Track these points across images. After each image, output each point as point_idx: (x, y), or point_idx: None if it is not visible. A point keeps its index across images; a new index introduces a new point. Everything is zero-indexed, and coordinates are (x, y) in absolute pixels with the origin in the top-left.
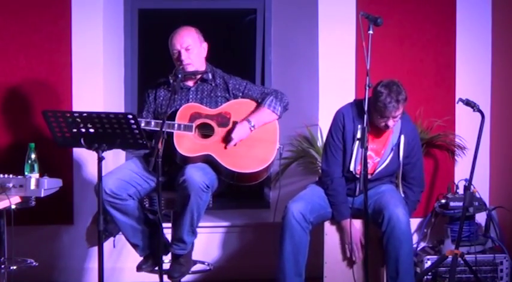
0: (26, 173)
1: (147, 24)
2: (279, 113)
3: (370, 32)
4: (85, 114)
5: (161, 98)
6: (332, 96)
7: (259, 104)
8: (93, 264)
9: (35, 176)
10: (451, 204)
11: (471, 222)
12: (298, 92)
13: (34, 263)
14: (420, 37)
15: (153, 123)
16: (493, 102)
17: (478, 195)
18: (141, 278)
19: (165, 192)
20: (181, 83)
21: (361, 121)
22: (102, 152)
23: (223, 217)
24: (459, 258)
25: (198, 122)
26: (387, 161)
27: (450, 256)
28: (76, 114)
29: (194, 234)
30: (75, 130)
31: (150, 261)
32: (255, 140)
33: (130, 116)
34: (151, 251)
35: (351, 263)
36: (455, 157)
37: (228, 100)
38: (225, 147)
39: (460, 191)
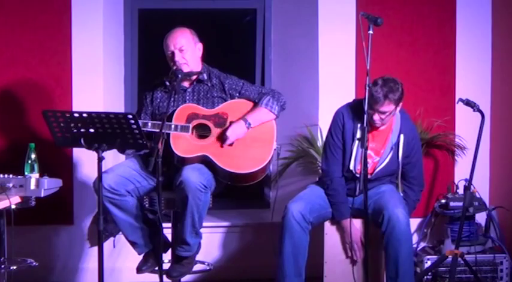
0: (26, 173)
1: (147, 24)
2: (276, 112)
3: (370, 32)
4: (85, 114)
5: (158, 100)
6: (332, 96)
7: (256, 104)
8: (93, 264)
9: (35, 176)
10: (451, 204)
11: (471, 222)
12: (298, 92)
13: (34, 263)
14: (420, 37)
15: (150, 124)
16: (493, 102)
17: (478, 195)
18: (140, 277)
19: (165, 192)
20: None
21: (361, 121)
22: (102, 152)
23: (223, 217)
24: (459, 258)
25: (195, 122)
26: (387, 161)
27: (450, 256)
28: (76, 114)
29: (198, 235)
30: (75, 130)
31: (150, 262)
32: (251, 140)
33: (130, 116)
34: (150, 250)
35: (351, 262)
36: (455, 157)
37: (225, 100)
38: (221, 146)
39: (460, 191)
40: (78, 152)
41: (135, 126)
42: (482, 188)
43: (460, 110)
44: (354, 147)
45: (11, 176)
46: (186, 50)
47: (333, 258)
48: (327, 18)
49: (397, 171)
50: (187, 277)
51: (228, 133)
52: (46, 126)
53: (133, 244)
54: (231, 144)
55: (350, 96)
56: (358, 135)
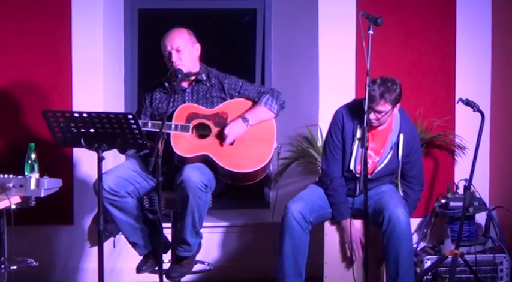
0: (26, 173)
1: (147, 24)
2: (276, 111)
3: (370, 32)
4: (85, 114)
5: (157, 101)
6: (332, 96)
7: (255, 103)
8: (93, 264)
9: (35, 176)
10: (451, 204)
11: (471, 222)
12: (298, 92)
13: (34, 263)
14: (420, 37)
15: (150, 124)
16: (493, 102)
17: (478, 195)
18: (140, 278)
19: (165, 192)
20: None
21: (361, 120)
22: (102, 152)
23: (223, 217)
24: (459, 258)
25: (195, 122)
26: (386, 160)
27: (450, 256)
28: (76, 114)
29: (198, 235)
30: (75, 130)
31: (150, 262)
32: (251, 139)
33: (130, 116)
34: (150, 251)
35: (350, 263)
36: (455, 157)
37: (224, 100)
38: (221, 145)
39: (460, 191)
40: (78, 152)
41: (135, 126)
42: (482, 188)
43: (460, 110)
44: (354, 147)
45: (11, 176)
46: (183, 50)
47: (333, 259)
48: (327, 18)
49: (397, 171)
50: (187, 277)
51: (226, 131)
52: (46, 126)
53: (134, 245)
54: (231, 144)
55: (350, 96)
56: (358, 135)
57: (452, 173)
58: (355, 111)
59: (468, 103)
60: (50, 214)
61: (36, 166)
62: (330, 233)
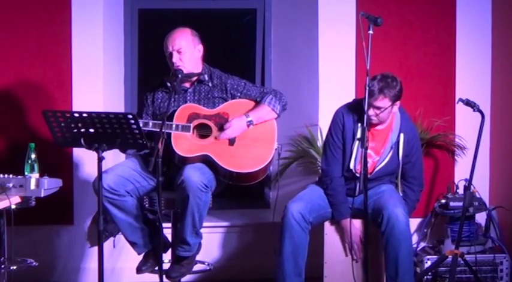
0: (26, 173)
1: (147, 24)
2: (278, 111)
3: (370, 32)
4: (85, 114)
5: (159, 101)
6: (332, 96)
7: (258, 102)
8: (93, 264)
9: (35, 176)
10: (451, 204)
11: (471, 222)
12: (298, 92)
13: (34, 263)
14: (420, 37)
15: (150, 123)
16: (493, 102)
17: (478, 195)
18: (140, 278)
19: (165, 192)
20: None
21: (361, 120)
22: (102, 152)
23: (223, 217)
24: (459, 258)
25: (196, 122)
26: (386, 160)
27: (450, 256)
28: (76, 114)
29: (198, 235)
30: (75, 130)
31: (150, 262)
32: (252, 139)
33: (130, 116)
34: (149, 250)
35: (350, 263)
36: (455, 157)
37: (225, 101)
38: (216, 138)
39: (460, 191)
40: (78, 152)
41: (135, 126)
42: (482, 188)
43: (460, 110)
44: (354, 147)
45: (11, 176)
46: (184, 52)
47: (333, 258)
48: (327, 18)
49: (397, 171)
50: (187, 277)
51: (226, 125)
52: (46, 126)
53: (133, 244)
54: (232, 144)
55: (350, 96)
56: (358, 135)
57: (452, 173)
58: (355, 111)
59: (468, 103)
60: (50, 214)
61: (36, 166)
62: (330, 232)
